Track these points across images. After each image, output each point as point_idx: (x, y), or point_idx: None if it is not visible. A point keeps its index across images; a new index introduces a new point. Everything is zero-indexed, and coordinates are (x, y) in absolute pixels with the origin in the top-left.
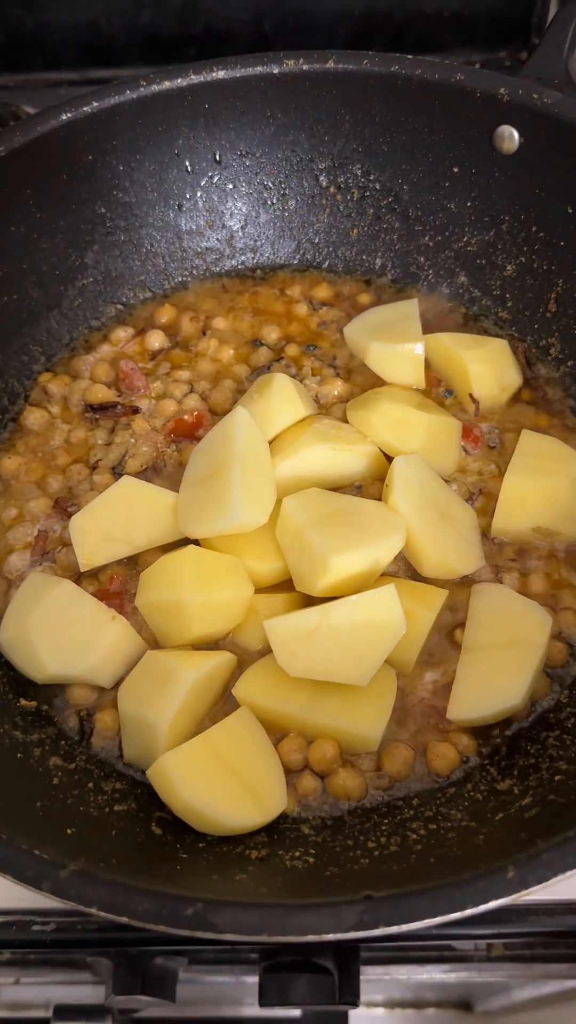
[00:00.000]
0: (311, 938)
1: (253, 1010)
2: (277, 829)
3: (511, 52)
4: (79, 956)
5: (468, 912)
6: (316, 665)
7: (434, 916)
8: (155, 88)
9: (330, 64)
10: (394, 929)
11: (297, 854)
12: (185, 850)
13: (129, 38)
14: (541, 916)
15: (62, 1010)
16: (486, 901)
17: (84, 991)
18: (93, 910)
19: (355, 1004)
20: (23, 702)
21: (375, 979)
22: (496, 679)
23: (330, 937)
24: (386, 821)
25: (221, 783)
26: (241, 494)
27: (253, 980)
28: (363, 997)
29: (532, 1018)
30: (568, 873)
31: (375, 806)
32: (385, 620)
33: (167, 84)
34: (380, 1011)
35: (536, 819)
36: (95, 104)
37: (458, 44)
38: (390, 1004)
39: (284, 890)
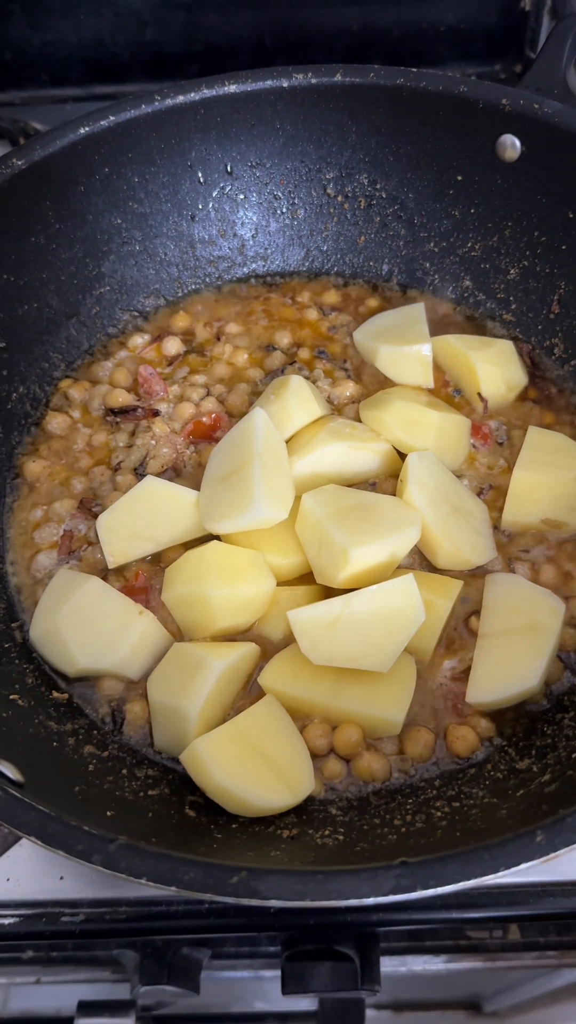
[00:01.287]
0: (352, 902)
1: (271, 1005)
2: (306, 810)
3: (505, 65)
4: (103, 952)
5: (500, 874)
6: (338, 653)
7: (468, 879)
8: (169, 102)
9: (337, 77)
10: (430, 892)
11: (327, 832)
12: (219, 830)
13: (133, 55)
14: (557, 898)
15: (86, 1006)
16: (517, 863)
17: (104, 990)
18: (142, 881)
19: (376, 990)
20: (55, 694)
21: (390, 971)
22: (512, 664)
23: (370, 901)
24: (410, 801)
25: (251, 766)
26: (263, 491)
27: (271, 974)
28: (372, 999)
29: (540, 1016)
30: None
31: (399, 787)
32: (405, 609)
33: (181, 98)
34: (388, 1013)
35: (556, 793)
36: (112, 118)
37: (454, 58)
38: (398, 1006)
39: (317, 864)
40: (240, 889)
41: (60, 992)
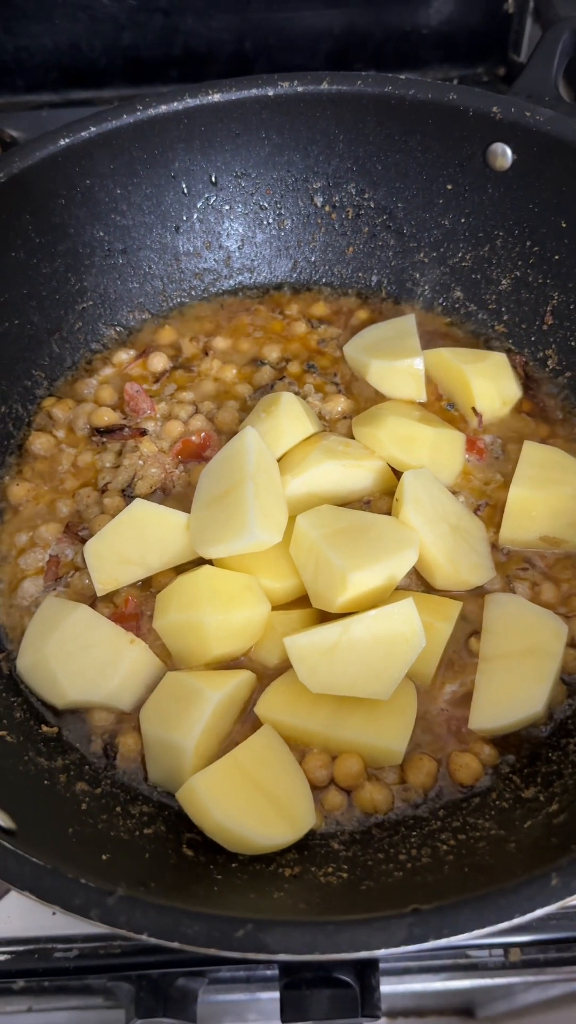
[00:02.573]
0: (363, 954)
1: (267, 1022)
2: (307, 846)
3: (488, 68)
4: (96, 982)
5: (515, 921)
6: (337, 680)
7: (483, 926)
8: (151, 112)
9: (324, 86)
10: (443, 942)
11: (330, 870)
12: (219, 871)
13: (110, 60)
14: (561, 920)
15: None
16: (533, 909)
17: (96, 1017)
18: (143, 936)
19: (377, 1016)
20: (45, 728)
21: (389, 990)
22: (515, 688)
23: (382, 952)
24: (414, 833)
25: (250, 802)
26: (256, 513)
27: (268, 996)
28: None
29: (534, 1022)
30: None
31: (402, 819)
32: (405, 634)
33: (163, 108)
34: (383, 1020)
35: (566, 824)
36: (93, 129)
37: (437, 60)
38: (392, 1013)
39: (323, 906)
40: (247, 943)
41: (51, 1019)
